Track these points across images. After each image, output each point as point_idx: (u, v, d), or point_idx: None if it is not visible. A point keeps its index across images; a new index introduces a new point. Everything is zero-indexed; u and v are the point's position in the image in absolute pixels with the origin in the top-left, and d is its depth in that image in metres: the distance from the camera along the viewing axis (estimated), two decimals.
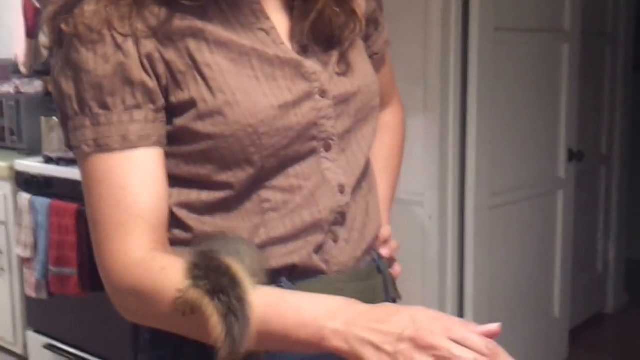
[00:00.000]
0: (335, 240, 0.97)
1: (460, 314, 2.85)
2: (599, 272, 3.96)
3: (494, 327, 0.77)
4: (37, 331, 3.30)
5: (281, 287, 0.90)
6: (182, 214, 0.92)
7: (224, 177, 0.90)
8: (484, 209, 2.82)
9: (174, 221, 0.93)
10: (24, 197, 3.05)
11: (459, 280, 2.82)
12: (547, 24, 3.09)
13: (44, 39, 0.90)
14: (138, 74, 0.86)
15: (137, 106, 0.86)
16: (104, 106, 0.86)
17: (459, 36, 2.64)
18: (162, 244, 0.89)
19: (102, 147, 0.86)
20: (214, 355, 0.87)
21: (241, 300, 0.77)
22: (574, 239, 3.42)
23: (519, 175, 3.03)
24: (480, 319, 2.85)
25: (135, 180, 0.86)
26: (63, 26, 0.87)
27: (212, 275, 0.78)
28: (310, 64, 0.95)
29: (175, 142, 0.90)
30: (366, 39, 1.09)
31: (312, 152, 0.95)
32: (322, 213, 0.95)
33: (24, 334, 3.36)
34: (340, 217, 0.97)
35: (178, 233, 0.93)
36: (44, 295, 3.02)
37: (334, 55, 0.98)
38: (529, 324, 3.17)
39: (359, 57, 1.02)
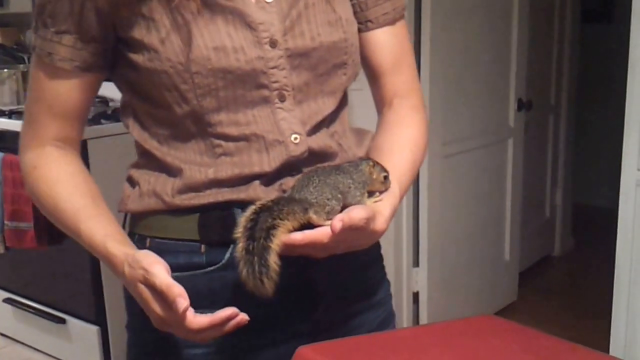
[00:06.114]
0: (284, 191, 1.01)
1: (416, 260, 2.93)
2: (547, 217, 4.10)
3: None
4: None
5: (234, 216, 0.99)
6: (149, 144, 1.04)
7: (165, 113, 1.00)
8: (437, 157, 2.88)
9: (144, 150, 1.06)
10: None
11: (413, 227, 2.90)
12: None
13: None
14: (78, 7, 0.97)
15: (67, 31, 0.99)
16: (44, 25, 1.00)
17: None
18: (59, 147, 1.05)
19: (39, 56, 1.02)
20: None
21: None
22: (524, 185, 3.52)
23: (471, 124, 3.09)
24: (433, 265, 2.94)
25: (51, 91, 1.03)
26: None
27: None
28: (259, 15, 0.97)
29: (135, 76, 1.01)
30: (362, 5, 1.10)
31: (265, 100, 0.99)
32: (272, 165, 1.00)
33: None
34: (292, 167, 1.01)
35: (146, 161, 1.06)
36: (0, 250, 2.97)
37: (297, 7, 1.00)
38: (480, 268, 3.28)
39: (332, 10, 1.03)
